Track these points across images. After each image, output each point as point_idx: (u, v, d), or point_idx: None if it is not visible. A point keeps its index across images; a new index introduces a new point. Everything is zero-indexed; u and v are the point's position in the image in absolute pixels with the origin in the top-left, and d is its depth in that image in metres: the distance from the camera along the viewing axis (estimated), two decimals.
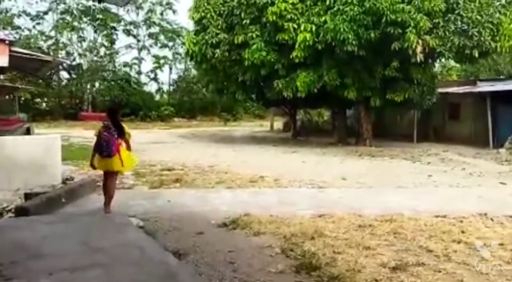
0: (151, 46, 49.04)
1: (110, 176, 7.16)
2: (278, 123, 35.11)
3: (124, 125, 7.21)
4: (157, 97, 49.96)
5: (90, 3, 40.11)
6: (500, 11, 18.00)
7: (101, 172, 7.52)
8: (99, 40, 47.10)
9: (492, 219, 6.74)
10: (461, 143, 20.76)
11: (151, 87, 50.27)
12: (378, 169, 13.49)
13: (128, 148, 7.15)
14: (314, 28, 17.57)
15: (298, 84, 18.51)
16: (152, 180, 10.26)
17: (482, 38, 17.28)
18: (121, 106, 9.41)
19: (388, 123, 26.48)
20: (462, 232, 5.99)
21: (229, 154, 16.55)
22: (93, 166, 7.16)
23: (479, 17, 17.26)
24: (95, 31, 46.15)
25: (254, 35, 18.77)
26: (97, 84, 46.12)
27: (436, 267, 4.70)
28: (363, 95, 19.55)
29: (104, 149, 6.83)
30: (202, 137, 25.95)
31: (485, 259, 4.93)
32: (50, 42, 44.43)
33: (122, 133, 6.98)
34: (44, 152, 8.87)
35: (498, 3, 18.33)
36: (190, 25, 25.19)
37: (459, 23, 17.57)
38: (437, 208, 7.54)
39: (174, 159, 14.34)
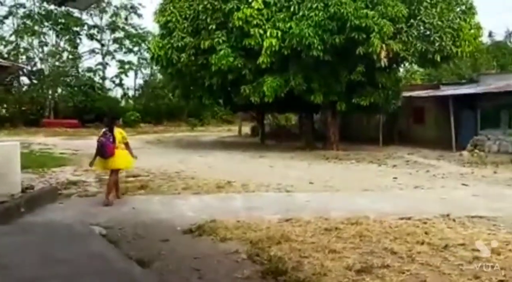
0: (115, 51, 48.33)
1: (112, 173, 8.54)
2: (246, 128, 35.11)
3: (121, 131, 8.76)
4: (123, 103, 49.22)
5: (52, 7, 39.18)
6: (460, 17, 18.59)
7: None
8: (62, 44, 46.07)
9: (454, 220, 6.88)
10: (426, 145, 21.25)
11: (116, 92, 49.56)
12: (345, 172, 13.64)
13: (127, 149, 8.72)
14: (280, 33, 17.65)
15: (265, 89, 18.54)
16: None
17: (444, 43, 17.78)
18: (117, 117, 9.96)
19: (355, 127, 26.90)
20: (426, 233, 6.07)
21: (196, 160, 16.42)
22: (91, 165, 8.86)
23: (440, 23, 17.77)
24: (57, 36, 45.14)
25: (220, 41, 18.72)
26: (59, 90, 45.06)
27: (400, 268, 4.73)
28: (329, 100, 19.76)
29: (102, 152, 8.31)
30: (169, 143, 25.67)
31: (448, 260, 5.01)
32: (10, 47, 43.16)
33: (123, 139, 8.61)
34: (2, 160, 8.52)
35: (458, 9, 18.93)
36: (155, 30, 24.87)
37: (422, 28, 18.06)
38: (402, 210, 7.65)
39: (139, 165, 13.89)
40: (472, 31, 18.82)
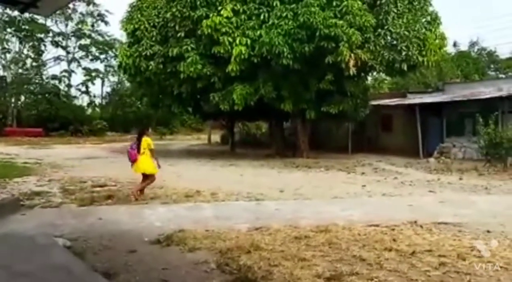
0: (81, 58, 47.61)
1: (143, 177, 9.87)
2: (216, 137, 34.96)
3: (147, 139, 9.85)
4: (89, 111, 48.38)
5: (16, 13, 38.21)
6: (426, 27, 19.09)
7: None
8: (25, 51, 44.98)
9: (421, 226, 6.97)
10: (394, 153, 21.64)
11: (82, 100, 48.66)
12: (315, 180, 13.70)
13: (152, 156, 9.80)
14: (249, 41, 17.71)
15: (235, 97, 18.53)
16: (82, 197, 9.78)
17: (410, 53, 18.20)
18: (147, 128, 10.15)
19: (324, 135, 27.17)
20: (394, 240, 6.13)
21: (164, 169, 15.98)
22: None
23: (406, 33, 18.18)
24: (21, 43, 44.09)
25: (189, 48, 18.64)
26: (22, 97, 43.90)
27: (369, 275, 4.75)
28: (299, 108, 19.90)
29: (128, 158, 9.87)
30: None
31: (415, 266, 5.06)
32: None
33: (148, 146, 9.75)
34: None
35: (423, 20, 19.42)
36: (123, 37, 24.56)
37: (389, 38, 18.44)
38: (371, 217, 7.71)
39: (106, 174, 13.82)
40: (437, 41, 19.34)
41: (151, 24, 19.72)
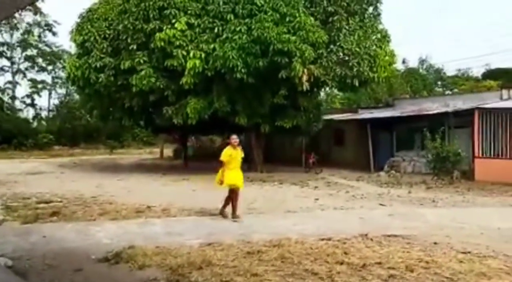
0: (27, 69, 45.88)
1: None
2: (169, 151, 34.49)
3: (225, 150, 9.23)
4: (35, 124, 46.55)
5: None
6: (376, 44, 19.68)
7: None
8: None
9: (372, 239, 7.08)
10: (346, 167, 22.02)
11: (28, 113, 46.86)
12: (268, 194, 13.72)
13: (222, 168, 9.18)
14: (203, 55, 17.66)
15: (188, 110, 18.36)
16: (26, 214, 9.34)
17: (361, 69, 18.68)
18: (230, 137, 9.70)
19: (279, 149, 27.34)
20: (345, 253, 6.19)
21: (114, 184, 15.79)
22: None
23: (358, 49, 18.68)
24: None
25: (141, 61, 18.37)
26: None
27: None
28: (253, 122, 19.95)
29: None
30: (85, 166, 24.56)
31: (365, 278, 5.10)
32: None
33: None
34: None
35: (374, 37, 20.03)
36: (72, 48, 23.92)
37: (341, 54, 18.87)
38: (323, 230, 7.78)
39: (52, 190, 13.33)
40: (387, 58, 19.96)
41: (102, 35, 19.31)
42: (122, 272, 5.49)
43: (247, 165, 21.97)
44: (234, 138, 9.36)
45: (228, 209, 9.15)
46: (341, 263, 5.66)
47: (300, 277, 5.13)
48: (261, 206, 10.96)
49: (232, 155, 9.14)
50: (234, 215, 8.96)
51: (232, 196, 9.09)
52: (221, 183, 9.15)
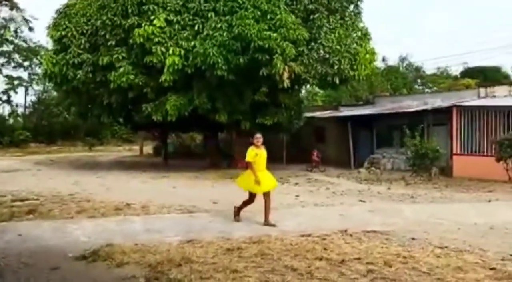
0: (3, 65, 44.88)
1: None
2: (148, 148, 34.23)
3: (249, 150, 8.38)
4: (11, 121, 45.67)
5: None
6: (357, 42, 19.82)
7: None
8: None
9: (351, 235, 7.13)
10: (327, 163, 22.14)
11: (3, 110, 45.97)
12: None
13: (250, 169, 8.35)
14: (183, 52, 17.51)
15: (168, 107, 18.21)
16: (0, 212, 9.14)
17: (342, 67, 18.78)
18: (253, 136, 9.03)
19: None
20: (325, 249, 6.21)
21: (92, 181, 15.60)
22: None
23: (338, 47, 18.77)
24: None
25: (120, 57, 18.15)
26: None
27: None
28: (234, 119, 19.88)
29: None
30: (63, 164, 24.21)
31: (344, 274, 5.13)
32: None
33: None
34: None
35: (355, 35, 20.17)
36: (49, 44, 23.50)
37: (322, 52, 18.92)
38: (303, 227, 7.81)
39: (28, 188, 13.10)
40: (368, 56, 20.11)
41: (80, 31, 19.01)
42: (100, 270, 5.42)
43: (228, 162, 22.05)
44: (258, 137, 8.57)
45: (245, 213, 8.60)
46: (321, 259, 5.68)
47: (279, 273, 5.13)
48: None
49: (258, 155, 8.36)
50: (266, 221, 8.09)
51: (253, 199, 8.40)
52: (248, 187, 8.38)
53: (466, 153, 18.38)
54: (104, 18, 18.30)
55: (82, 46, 18.99)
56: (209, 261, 5.60)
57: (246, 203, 8.46)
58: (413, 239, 6.96)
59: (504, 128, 17.33)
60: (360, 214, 9.58)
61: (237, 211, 8.51)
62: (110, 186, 14.38)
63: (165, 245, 6.41)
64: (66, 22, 19.24)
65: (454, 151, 18.53)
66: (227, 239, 6.77)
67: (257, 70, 17.63)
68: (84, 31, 19.06)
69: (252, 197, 8.42)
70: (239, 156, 21.43)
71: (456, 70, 48.08)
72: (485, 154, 17.72)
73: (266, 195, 8.27)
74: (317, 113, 25.55)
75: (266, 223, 8.05)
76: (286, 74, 17.63)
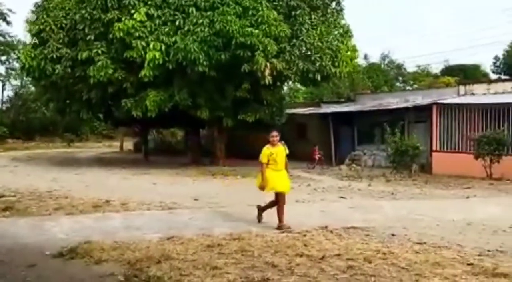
0: None
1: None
2: (129, 144, 33.92)
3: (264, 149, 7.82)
4: None
5: None
6: (338, 40, 19.92)
7: None
8: None
9: (331, 231, 7.15)
10: (308, 160, 22.19)
11: None
12: (231, 188, 13.72)
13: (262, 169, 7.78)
14: (164, 47, 17.38)
15: (148, 103, 18.05)
16: None
17: (323, 64, 18.86)
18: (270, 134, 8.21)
19: (241, 143, 27.25)
20: (305, 245, 6.21)
21: (71, 178, 15.40)
22: None
23: (320, 44, 18.84)
24: None
25: (99, 52, 17.91)
26: None
27: (280, 281, 4.76)
28: (216, 115, 19.83)
29: None
30: (41, 160, 23.86)
31: (324, 270, 5.14)
32: None
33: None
34: None
35: (336, 32, 20.27)
36: (27, 38, 23.10)
37: (303, 48, 18.98)
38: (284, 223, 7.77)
39: (5, 184, 12.87)
40: (349, 53, 20.27)
41: (58, 25, 18.74)
42: (78, 267, 5.34)
43: (209, 159, 21.98)
44: (275, 135, 7.93)
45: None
46: (301, 255, 5.67)
47: (260, 270, 5.11)
48: (222, 200, 10.89)
49: (273, 154, 7.74)
50: (280, 225, 7.46)
51: (282, 199, 7.76)
52: (262, 188, 7.82)
53: (445, 150, 18.63)
54: (83, 12, 18.05)
55: (61, 41, 18.73)
56: (189, 258, 5.55)
57: (279, 206, 7.70)
58: (392, 235, 7.01)
59: (482, 125, 17.60)
60: (341, 210, 9.62)
61: (280, 219, 7.62)
62: (89, 182, 14.22)
63: (145, 242, 6.33)
64: (45, 16, 18.96)
65: (434, 148, 18.77)
66: (208, 236, 6.73)
67: (238, 67, 17.59)
68: (63, 25, 18.82)
69: (278, 197, 7.72)
70: (220, 153, 21.43)
71: (436, 68, 48.80)
72: (464, 151, 17.99)
73: (281, 197, 7.72)
74: (299, 110, 25.61)
75: (280, 226, 7.40)
76: (268, 71, 17.63)
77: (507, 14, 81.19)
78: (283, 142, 8.08)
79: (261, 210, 8.02)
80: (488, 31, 69.63)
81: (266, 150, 7.79)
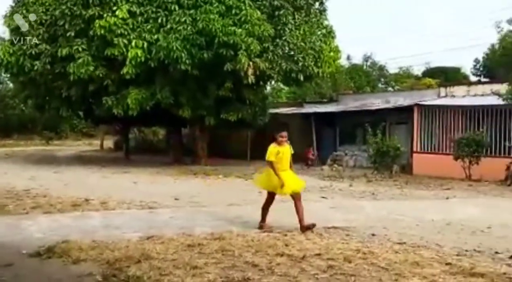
0: None
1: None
2: (109, 142, 33.56)
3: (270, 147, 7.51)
4: None
5: None
6: (321, 40, 20.02)
7: None
8: None
9: (312, 231, 7.16)
10: (292, 160, 22.22)
11: None
12: (212, 187, 13.66)
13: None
14: (146, 45, 17.26)
15: (129, 101, 17.88)
16: None
17: (306, 64, 18.93)
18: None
19: (224, 142, 27.17)
20: (286, 245, 6.21)
21: (49, 176, 15.17)
22: None
23: (303, 44, 18.91)
24: None
25: (80, 49, 17.69)
26: None
27: (260, 281, 4.75)
28: (198, 114, 19.73)
29: None
30: (18, 158, 23.49)
31: (305, 270, 5.14)
32: None
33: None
34: None
35: (319, 33, 20.37)
36: (5, 34, 22.67)
37: (286, 48, 19.02)
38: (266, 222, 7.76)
39: None
40: (332, 53, 20.38)
41: (38, 21, 18.41)
42: (55, 267, 5.25)
43: (191, 158, 21.87)
44: (285, 135, 7.74)
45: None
46: (282, 255, 5.66)
47: (240, 269, 5.09)
48: (204, 199, 10.83)
49: (280, 153, 7.49)
50: (302, 227, 7.17)
51: (271, 200, 7.63)
52: (275, 188, 7.48)
53: (426, 151, 18.86)
54: (63, 7, 17.79)
55: (40, 37, 18.43)
56: (169, 258, 5.50)
57: (266, 206, 7.61)
58: (373, 235, 7.05)
59: (462, 127, 17.88)
60: (322, 210, 9.63)
61: (263, 218, 7.56)
62: (68, 181, 14.02)
63: (124, 242, 6.26)
64: (24, 11, 18.62)
65: (415, 149, 18.99)
66: (188, 235, 6.68)
67: (221, 66, 17.54)
68: (43, 21, 18.52)
69: (271, 196, 7.61)
70: (202, 152, 21.33)
71: (418, 70, 49.29)
72: (444, 152, 18.23)
73: (297, 197, 7.38)
74: (282, 110, 25.64)
75: (303, 228, 7.14)
76: (250, 70, 17.61)
77: (489, 18, 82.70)
78: (288, 141, 7.86)
79: (263, 215, 7.60)
80: (470, 34, 70.64)
81: (273, 148, 7.50)
